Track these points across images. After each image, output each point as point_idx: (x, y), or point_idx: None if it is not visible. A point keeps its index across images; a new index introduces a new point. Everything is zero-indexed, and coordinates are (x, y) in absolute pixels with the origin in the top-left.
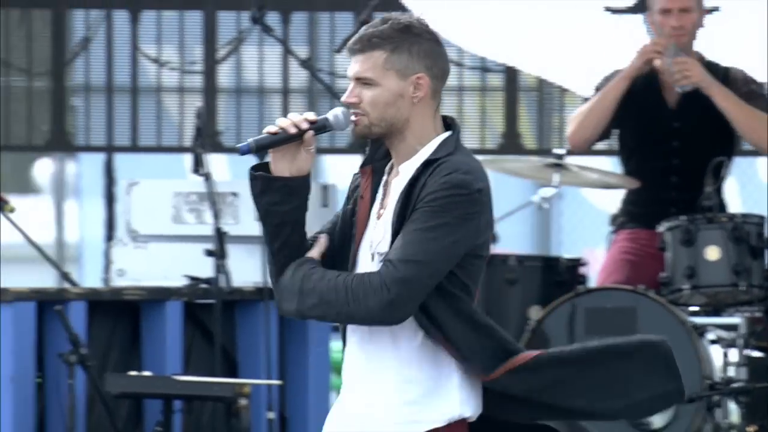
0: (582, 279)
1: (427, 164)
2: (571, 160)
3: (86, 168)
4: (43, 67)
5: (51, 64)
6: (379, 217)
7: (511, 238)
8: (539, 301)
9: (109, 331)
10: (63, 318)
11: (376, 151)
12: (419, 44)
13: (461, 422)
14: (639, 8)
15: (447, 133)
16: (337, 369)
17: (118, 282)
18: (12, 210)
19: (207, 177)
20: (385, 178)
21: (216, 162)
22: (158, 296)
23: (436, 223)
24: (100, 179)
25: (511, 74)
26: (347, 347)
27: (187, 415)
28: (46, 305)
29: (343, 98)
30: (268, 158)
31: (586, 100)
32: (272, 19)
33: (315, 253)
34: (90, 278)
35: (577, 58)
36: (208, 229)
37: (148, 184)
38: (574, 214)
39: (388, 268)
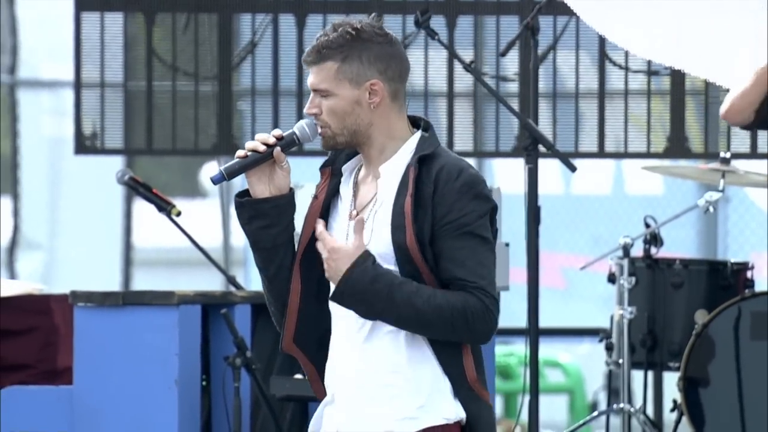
0: (749, 283)
1: (421, 160)
2: (738, 164)
3: None
4: (209, 72)
5: (217, 68)
6: (352, 218)
7: (677, 242)
8: (705, 305)
9: (274, 335)
10: (229, 321)
11: (338, 153)
12: (369, 50)
13: (456, 424)
14: None
15: (419, 132)
16: (501, 372)
17: None
18: (178, 213)
19: None
20: (351, 179)
21: None
22: None
23: (483, 234)
24: None
25: (677, 77)
26: (335, 346)
27: None
28: (212, 308)
29: (305, 109)
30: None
31: None
32: (438, 23)
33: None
34: (256, 282)
35: (743, 60)
36: None
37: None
38: (741, 218)
39: (483, 293)
